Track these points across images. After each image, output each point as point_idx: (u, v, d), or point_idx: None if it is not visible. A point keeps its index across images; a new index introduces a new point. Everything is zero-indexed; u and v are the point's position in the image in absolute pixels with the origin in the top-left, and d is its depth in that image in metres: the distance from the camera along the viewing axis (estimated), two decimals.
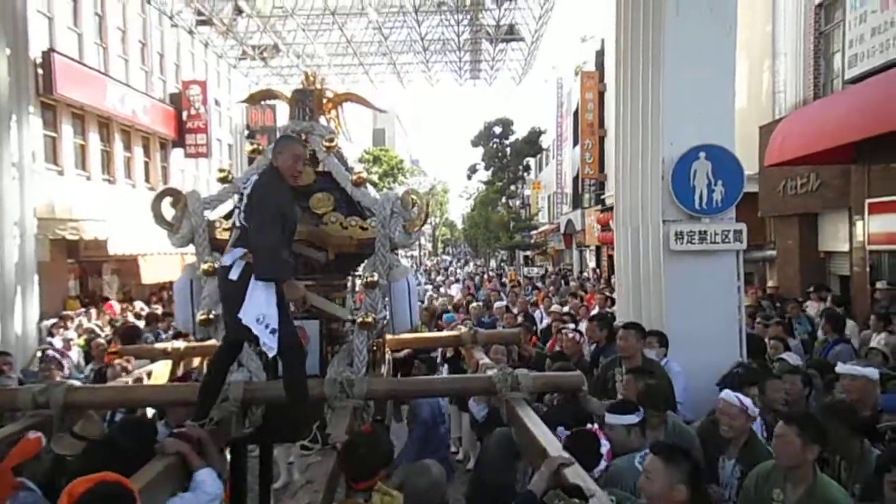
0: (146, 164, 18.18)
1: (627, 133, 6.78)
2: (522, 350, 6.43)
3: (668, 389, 4.15)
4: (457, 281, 25.07)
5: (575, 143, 28.68)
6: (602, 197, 23.61)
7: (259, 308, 2.94)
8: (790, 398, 4.15)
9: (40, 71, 12.74)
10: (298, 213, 3.39)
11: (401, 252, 4.79)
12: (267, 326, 2.94)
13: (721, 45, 5.87)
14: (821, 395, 4.53)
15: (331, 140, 3.94)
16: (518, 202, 40.56)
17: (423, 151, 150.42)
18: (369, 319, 3.57)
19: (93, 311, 11.63)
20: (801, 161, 9.56)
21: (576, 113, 27.83)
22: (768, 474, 3.05)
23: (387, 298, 3.73)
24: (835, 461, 3.36)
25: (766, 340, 6.24)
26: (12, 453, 2.80)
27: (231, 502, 3.89)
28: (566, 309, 10.06)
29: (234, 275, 3.01)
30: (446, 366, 6.81)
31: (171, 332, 7.97)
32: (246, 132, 25.34)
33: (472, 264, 46.90)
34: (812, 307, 8.88)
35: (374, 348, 3.90)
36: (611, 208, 14.61)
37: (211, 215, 3.77)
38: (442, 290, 19.33)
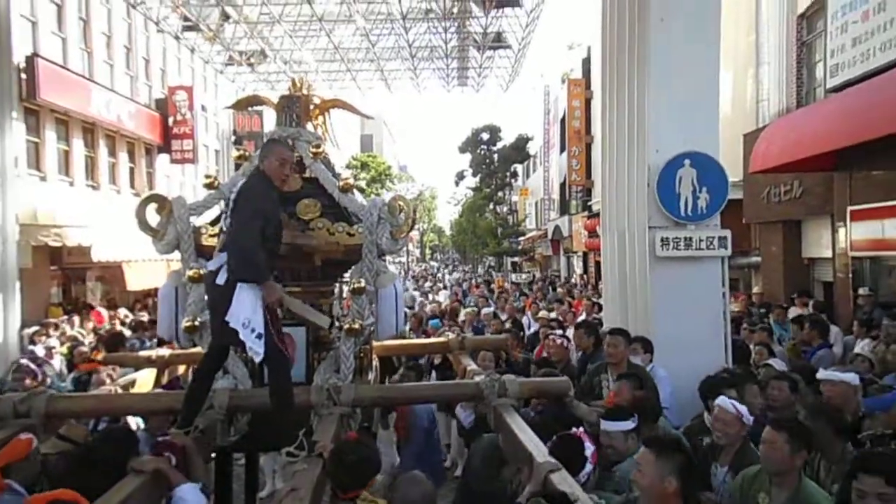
0: (131, 169, 18.00)
1: (614, 140, 6.84)
2: (510, 356, 6.44)
3: (656, 400, 4.18)
4: (444, 287, 25.08)
5: (562, 150, 28.87)
6: (589, 203, 23.76)
7: (245, 312, 2.92)
8: (778, 404, 4.16)
9: (24, 76, 12.59)
10: (284, 218, 3.35)
11: (388, 258, 4.78)
12: (253, 331, 2.92)
13: (705, 54, 5.95)
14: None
15: (318, 146, 3.93)
16: (506, 208, 40.71)
17: (410, 157, 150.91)
18: (356, 326, 3.55)
19: (76, 318, 11.47)
20: (784, 168, 9.67)
21: (563, 120, 28.03)
22: (754, 477, 3.08)
23: (373, 304, 3.72)
24: (815, 460, 3.37)
25: (751, 346, 6.28)
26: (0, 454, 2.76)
27: None
28: (554, 315, 10.09)
29: (221, 280, 3.00)
30: (434, 372, 6.80)
31: (155, 340, 7.87)
32: (233, 138, 25.20)
33: (459, 270, 46.91)
34: (794, 313, 8.96)
35: (362, 355, 3.88)
36: (597, 214, 14.71)
37: (197, 221, 3.73)
38: (430, 296, 19.32)
